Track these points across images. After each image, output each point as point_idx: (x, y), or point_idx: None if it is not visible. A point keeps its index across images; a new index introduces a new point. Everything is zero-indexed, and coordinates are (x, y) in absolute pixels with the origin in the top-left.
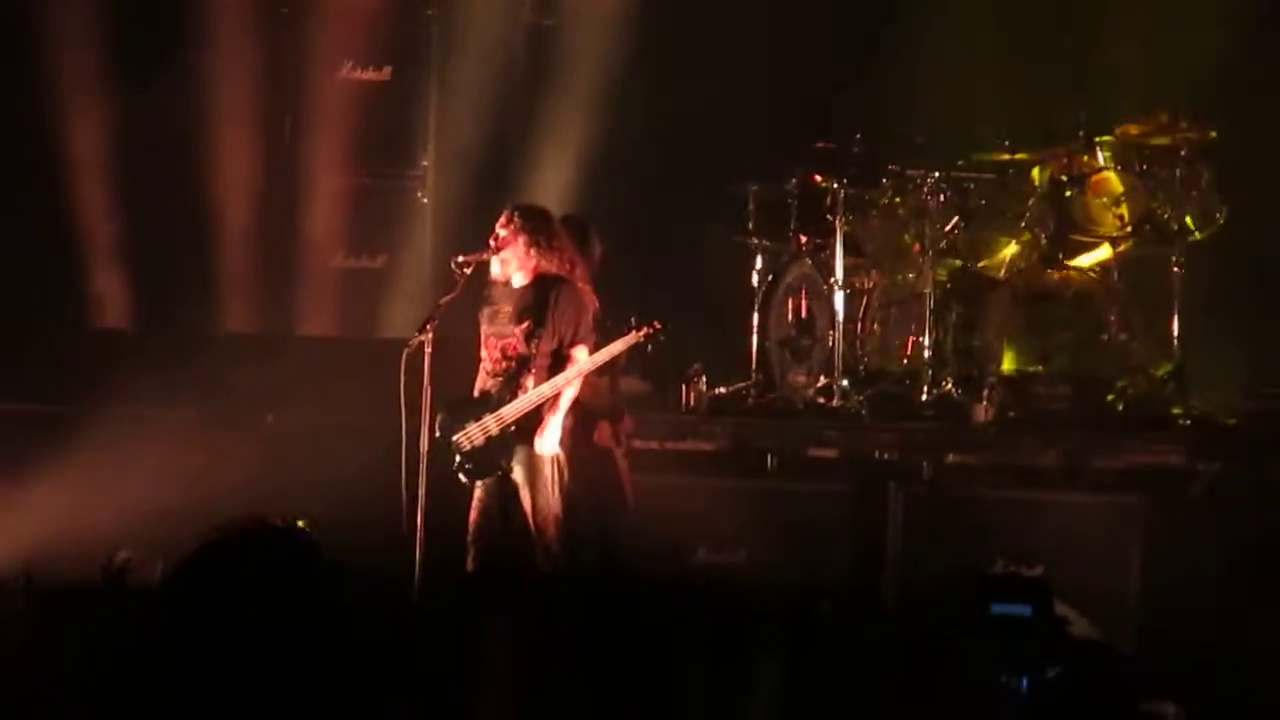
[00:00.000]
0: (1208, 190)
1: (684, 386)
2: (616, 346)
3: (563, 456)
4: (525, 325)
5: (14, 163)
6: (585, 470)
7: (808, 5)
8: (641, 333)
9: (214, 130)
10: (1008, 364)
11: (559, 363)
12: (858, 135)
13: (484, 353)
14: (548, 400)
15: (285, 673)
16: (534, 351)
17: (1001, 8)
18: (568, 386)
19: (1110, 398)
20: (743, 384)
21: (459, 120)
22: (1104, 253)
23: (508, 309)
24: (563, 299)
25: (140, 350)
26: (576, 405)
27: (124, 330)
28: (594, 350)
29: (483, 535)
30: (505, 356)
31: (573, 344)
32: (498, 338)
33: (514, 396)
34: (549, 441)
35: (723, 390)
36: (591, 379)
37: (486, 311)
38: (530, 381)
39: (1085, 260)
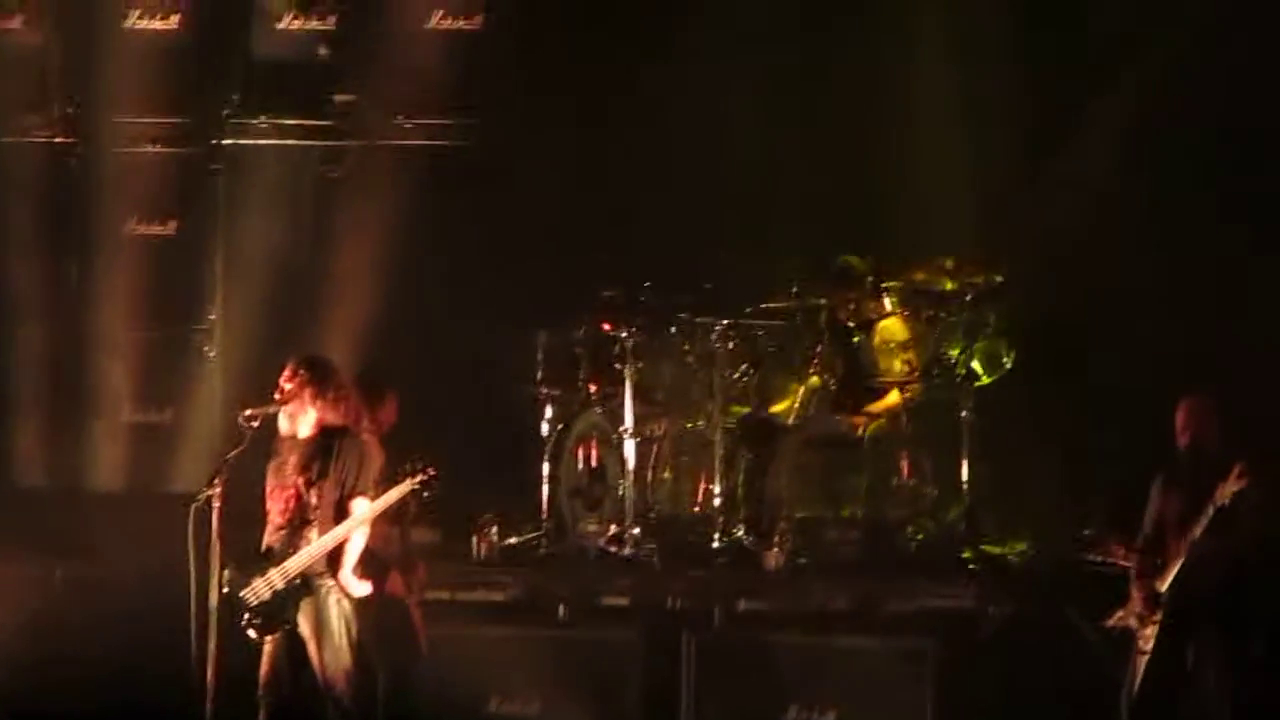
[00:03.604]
0: (994, 334)
1: (475, 537)
2: (392, 495)
3: (349, 609)
4: (307, 476)
5: None
6: (378, 621)
7: (589, 155)
8: (416, 479)
9: None
10: (798, 509)
11: (342, 514)
12: (646, 284)
13: (270, 505)
14: (334, 552)
15: None
16: (316, 502)
17: (789, 151)
18: (350, 538)
19: (902, 542)
20: (534, 533)
21: (246, 274)
22: (893, 397)
23: (293, 460)
24: (345, 450)
25: None
26: (368, 555)
27: None
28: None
29: (274, 689)
30: (289, 508)
31: (352, 495)
32: (282, 489)
33: (297, 549)
34: (357, 587)
35: (514, 540)
36: (382, 528)
37: (273, 464)
38: (314, 533)
39: (874, 405)
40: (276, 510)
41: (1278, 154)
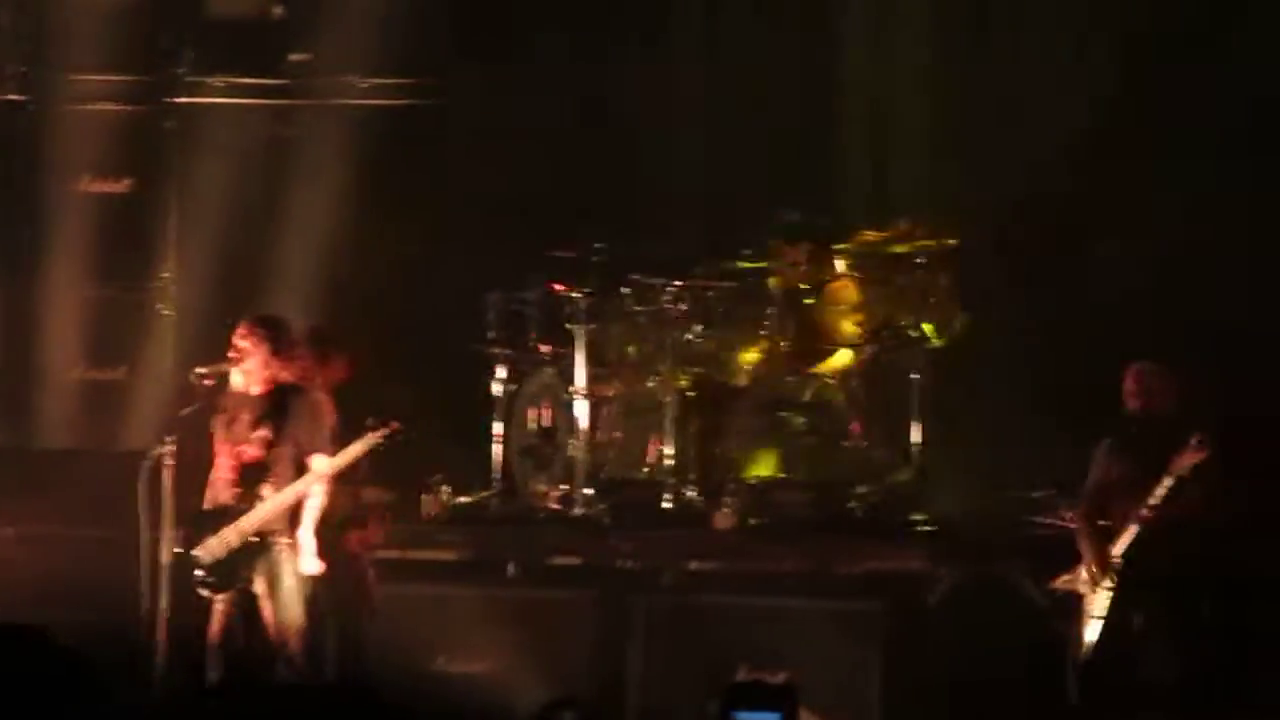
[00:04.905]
0: (946, 297)
1: (425, 495)
2: (356, 448)
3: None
4: (262, 433)
5: None
6: (332, 578)
7: (546, 116)
8: (379, 433)
9: None
10: (749, 471)
11: (297, 471)
12: (597, 244)
13: (220, 461)
14: (290, 513)
15: None
16: (271, 459)
17: (739, 114)
18: (309, 497)
19: (851, 504)
20: (485, 493)
21: (200, 231)
22: (844, 359)
23: (245, 417)
24: (300, 407)
25: None
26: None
27: None
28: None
29: (225, 646)
30: (242, 464)
31: (309, 452)
32: (233, 445)
33: (252, 506)
34: (309, 560)
35: (464, 499)
36: (333, 488)
37: (222, 419)
38: (268, 490)
39: (824, 365)
40: (227, 466)
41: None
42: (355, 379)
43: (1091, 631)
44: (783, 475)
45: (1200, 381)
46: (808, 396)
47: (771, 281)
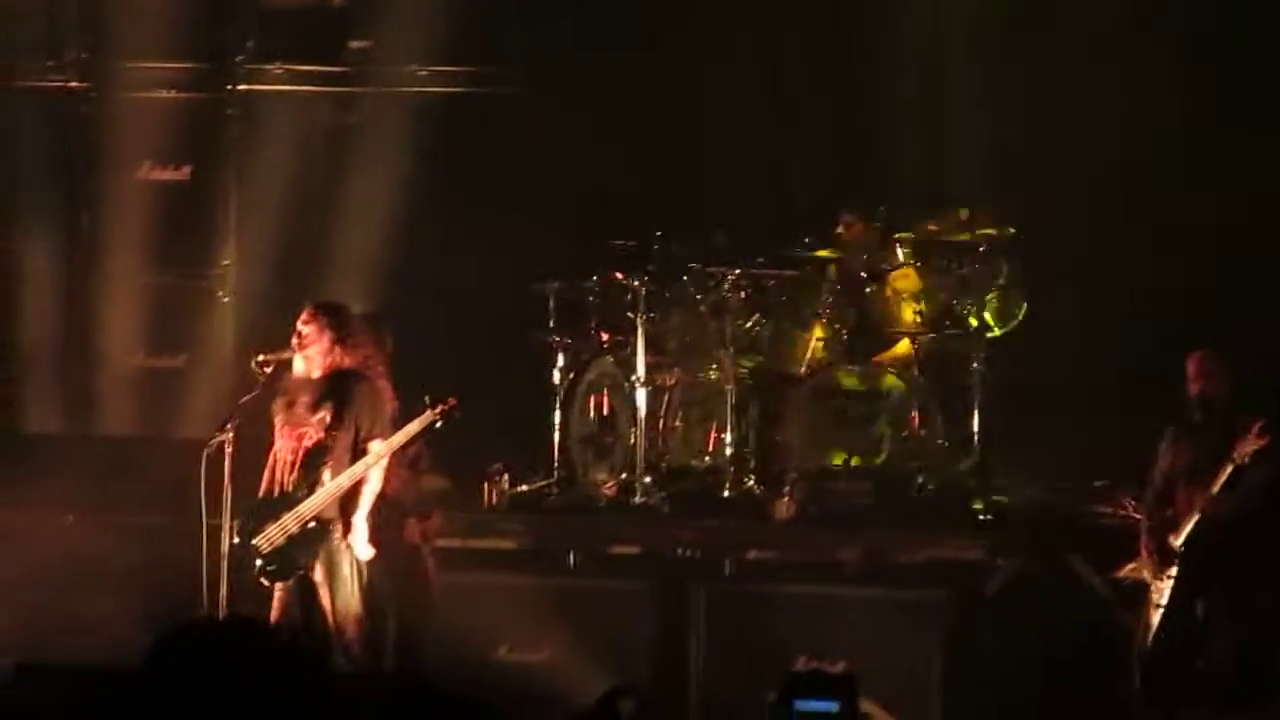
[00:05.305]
0: (1007, 287)
1: (486, 484)
2: (413, 426)
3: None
4: (322, 416)
5: None
6: (392, 567)
7: (607, 106)
8: (437, 410)
9: (12, 228)
10: (808, 460)
11: (356, 456)
12: (658, 233)
13: (279, 444)
14: (348, 496)
15: None
16: (331, 442)
17: (800, 101)
18: (367, 481)
19: (911, 493)
20: (544, 482)
21: (260, 219)
22: (903, 347)
23: (305, 399)
24: (361, 393)
25: None
26: (382, 500)
27: None
28: None
29: None
30: (302, 447)
31: (369, 437)
32: (293, 427)
33: (311, 491)
34: (361, 543)
35: (524, 488)
36: (398, 472)
37: (281, 401)
38: (327, 475)
39: (885, 354)
40: (287, 449)
41: None
42: (416, 368)
43: (1155, 620)
44: (842, 464)
45: (1262, 368)
46: (867, 385)
47: (831, 269)
